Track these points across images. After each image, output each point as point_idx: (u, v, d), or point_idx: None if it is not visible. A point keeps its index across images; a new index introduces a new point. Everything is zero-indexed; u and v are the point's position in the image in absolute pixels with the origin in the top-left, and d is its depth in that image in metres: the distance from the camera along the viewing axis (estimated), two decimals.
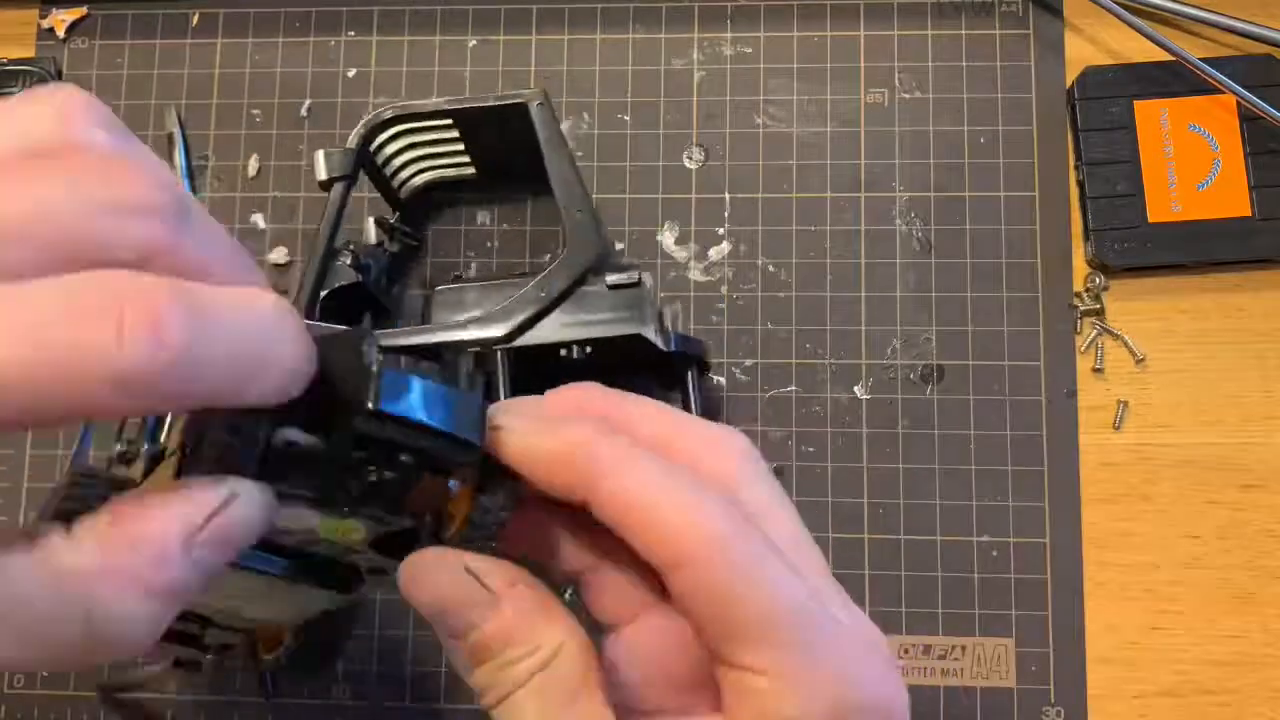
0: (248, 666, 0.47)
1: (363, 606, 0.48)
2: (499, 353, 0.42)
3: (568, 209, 0.43)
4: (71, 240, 0.20)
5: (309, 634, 0.36)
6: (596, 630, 0.28)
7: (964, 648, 0.46)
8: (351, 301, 0.46)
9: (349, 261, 0.45)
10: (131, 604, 0.21)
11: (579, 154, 0.51)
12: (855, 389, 0.49)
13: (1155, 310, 0.49)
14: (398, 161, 0.48)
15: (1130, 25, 0.49)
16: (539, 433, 0.25)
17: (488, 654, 0.25)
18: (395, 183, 0.49)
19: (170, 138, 0.52)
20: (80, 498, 0.24)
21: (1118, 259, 0.48)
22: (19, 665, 0.21)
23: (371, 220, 0.48)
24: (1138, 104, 0.49)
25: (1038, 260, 0.49)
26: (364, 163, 0.46)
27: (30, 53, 0.53)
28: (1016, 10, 0.51)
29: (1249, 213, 0.48)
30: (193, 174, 0.52)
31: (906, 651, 0.47)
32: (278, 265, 0.50)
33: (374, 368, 0.23)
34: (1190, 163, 0.49)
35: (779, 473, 0.48)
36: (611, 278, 0.44)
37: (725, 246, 0.50)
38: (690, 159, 0.51)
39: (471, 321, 0.43)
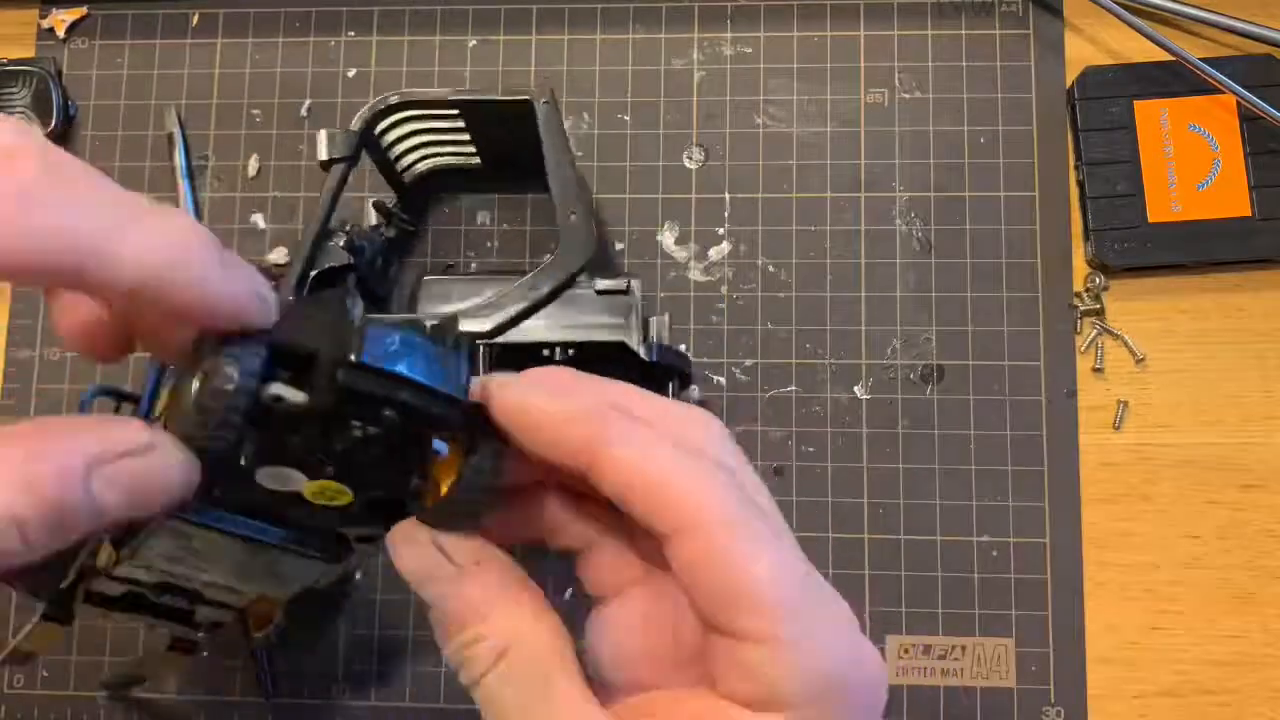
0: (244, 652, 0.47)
1: (362, 608, 0.48)
2: (482, 348, 0.43)
3: (563, 211, 0.43)
4: None
5: (299, 612, 0.36)
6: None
7: (964, 648, 0.46)
8: (341, 283, 0.46)
9: (343, 243, 0.45)
10: (18, 504, 0.20)
11: (579, 154, 0.51)
12: (855, 389, 0.49)
13: (1155, 310, 0.49)
14: (403, 146, 0.48)
15: (1130, 25, 0.49)
16: (550, 396, 0.26)
17: (454, 630, 0.26)
18: (399, 166, 0.49)
19: (170, 138, 0.52)
20: None
21: (1118, 259, 0.48)
22: None
23: (370, 203, 0.48)
24: (1138, 104, 0.49)
25: (1038, 260, 0.49)
26: (367, 145, 0.46)
27: (30, 53, 0.53)
28: (1016, 10, 0.51)
29: (1249, 213, 0.48)
30: (193, 174, 0.52)
31: (906, 651, 0.47)
32: (278, 265, 0.50)
33: (357, 323, 0.24)
34: (1190, 163, 0.49)
35: (779, 473, 0.48)
36: (601, 283, 0.44)
37: (725, 246, 0.50)
38: (690, 159, 0.51)
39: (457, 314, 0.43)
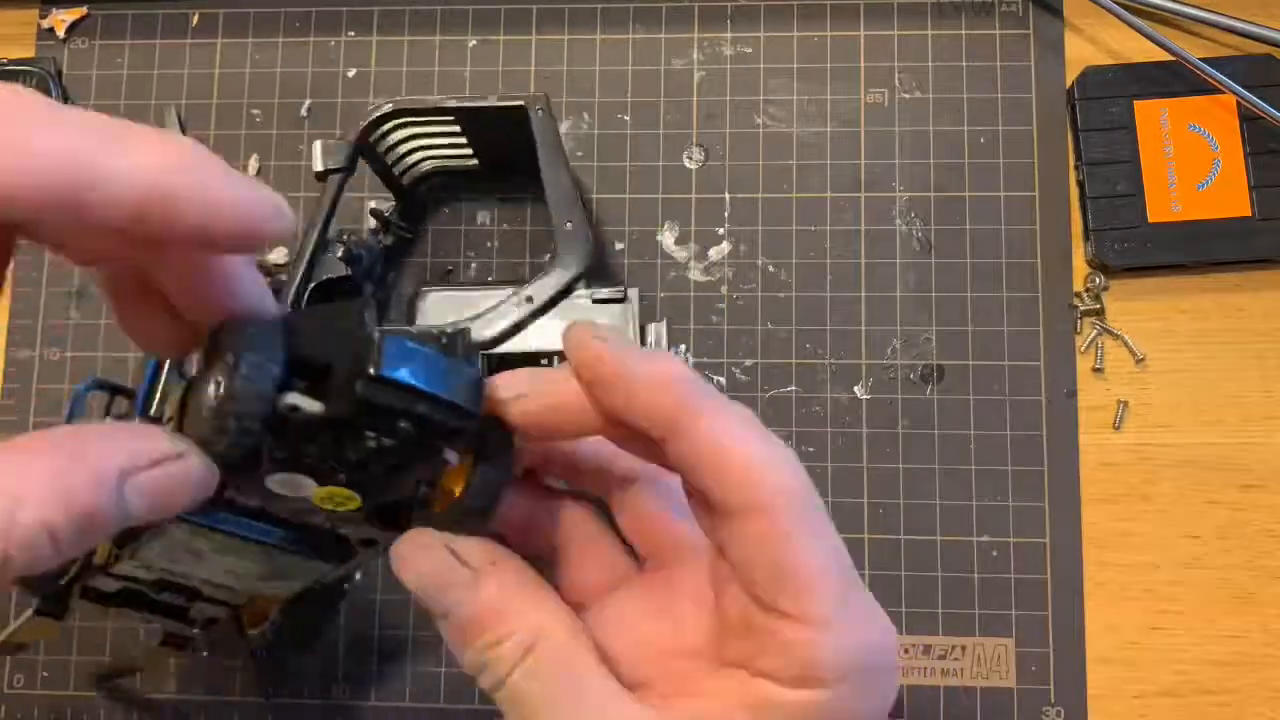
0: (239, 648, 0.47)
1: (362, 608, 0.48)
2: (480, 357, 0.43)
3: (559, 219, 0.43)
4: None
5: (299, 612, 0.37)
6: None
7: (964, 648, 0.46)
8: (340, 294, 0.46)
9: (340, 254, 0.45)
10: (53, 514, 0.20)
11: (579, 154, 0.51)
12: (855, 389, 0.49)
13: (1155, 310, 0.49)
14: (400, 150, 0.48)
15: (1130, 25, 0.49)
16: (636, 358, 0.26)
17: (474, 633, 0.26)
18: (397, 170, 0.49)
19: None
20: None
21: (1118, 259, 0.48)
22: None
23: (368, 211, 0.48)
24: (1138, 104, 0.49)
25: (1038, 260, 0.49)
26: (363, 153, 0.46)
27: (30, 53, 0.53)
28: (1016, 10, 0.51)
29: (1249, 213, 0.48)
30: None
31: (906, 651, 0.47)
32: (278, 265, 0.50)
33: (375, 336, 0.24)
34: (1190, 163, 0.49)
35: None
36: (599, 292, 0.45)
37: (725, 246, 0.50)
38: (690, 159, 0.51)
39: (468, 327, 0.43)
